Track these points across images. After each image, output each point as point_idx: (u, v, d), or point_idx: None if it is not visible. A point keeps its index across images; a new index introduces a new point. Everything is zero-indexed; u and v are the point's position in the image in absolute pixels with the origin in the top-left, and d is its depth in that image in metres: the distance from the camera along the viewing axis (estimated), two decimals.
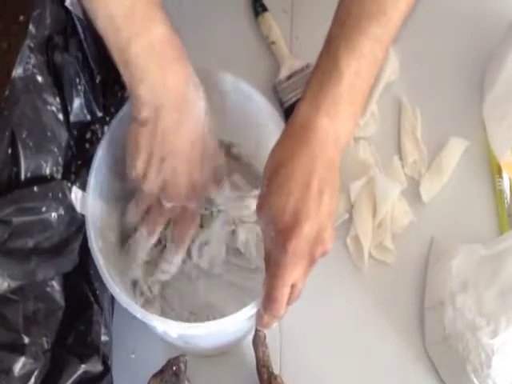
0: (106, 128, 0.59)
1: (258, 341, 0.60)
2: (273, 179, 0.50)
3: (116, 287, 0.52)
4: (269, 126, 0.60)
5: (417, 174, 0.73)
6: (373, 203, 0.70)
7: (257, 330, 0.60)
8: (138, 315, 0.51)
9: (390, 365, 0.65)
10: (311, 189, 0.48)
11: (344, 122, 0.50)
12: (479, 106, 0.77)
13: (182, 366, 0.56)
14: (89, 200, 0.55)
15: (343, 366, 0.65)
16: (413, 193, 0.72)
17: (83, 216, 0.54)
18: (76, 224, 0.54)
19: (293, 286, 0.50)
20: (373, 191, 0.71)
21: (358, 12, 0.51)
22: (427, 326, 0.65)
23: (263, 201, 0.50)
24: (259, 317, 0.52)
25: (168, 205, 0.59)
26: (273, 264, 0.49)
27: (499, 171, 0.73)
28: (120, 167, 0.59)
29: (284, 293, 0.49)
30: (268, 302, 0.50)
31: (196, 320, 0.62)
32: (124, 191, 0.63)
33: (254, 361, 0.60)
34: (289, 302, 0.51)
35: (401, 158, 0.74)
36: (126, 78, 0.52)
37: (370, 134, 0.76)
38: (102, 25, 0.51)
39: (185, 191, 0.58)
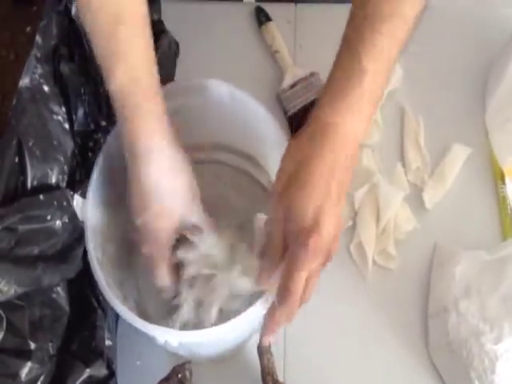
0: (108, 137, 0.60)
1: (263, 348, 0.60)
2: (293, 179, 0.51)
3: (115, 299, 0.52)
4: (267, 132, 0.61)
5: (420, 181, 0.74)
6: (376, 210, 0.71)
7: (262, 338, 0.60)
8: (138, 325, 0.51)
9: (394, 371, 0.65)
10: (331, 192, 0.50)
11: (363, 120, 0.51)
12: (482, 112, 0.78)
13: (187, 373, 0.56)
14: (88, 211, 0.56)
15: (347, 372, 0.65)
16: (416, 199, 0.73)
17: None
18: (79, 231, 0.55)
19: (306, 281, 0.51)
20: (376, 198, 0.71)
21: (374, 14, 0.51)
22: (431, 331, 0.65)
23: (282, 198, 0.51)
24: (271, 315, 0.53)
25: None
26: (291, 258, 0.50)
27: (502, 177, 0.73)
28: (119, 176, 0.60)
29: (300, 287, 0.50)
30: (284, 295, 0.51)
31: None
32: (123, 201, 0.64)
33: (259, 368, 0.60)
34: (302, 299, 0.52)
35: (404, 165, 0.75)
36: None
37: (373, 142, 0.76)
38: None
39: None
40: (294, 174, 0.51)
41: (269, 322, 0.54)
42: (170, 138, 0.55)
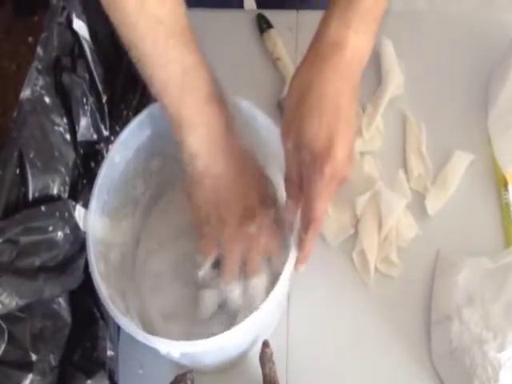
0: (110, 147, 0.60)
1: (265, 357, 0.60)
2: (302, 103, 0.50)
3: (117, 311, 0.52)
4: (269, 140, 0.60)
5: (422, 188, 0.74)
6: (378, 217, 0.71)
7: (264, 346, 0.60)
8: (140, 338, 0.51)
9: (397, 379, 0.65)
10: (342, 112, 0.49)
11: (369, 39, 0.51)
12: (484, 119, 0.77)
13: (189, 382, 0.56)
14: (90, 221, 0.56)
15: (350, 380, 0.65)
16: (418, 206, 0.72)
17: None
18: (81, 242, 0.55)
19: None
20: (378, 205, 0.71)
21: None
22: (434, 339, 0.65)
23: (291, 125, 0.51)
24: (299, 245, 0.54)
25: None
26: (308, 187, 0.50)
27: (505, 184, 0.73)
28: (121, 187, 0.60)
29: (322, 213, 0.51)
30: (308, 224, 0.52)
31: None
32: (126, 212, 0.64)
33: (261, 377, 0.60)
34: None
35: (406, 172, 0.74)
36: (177, 136, 0.56)
37: (375, 149, 0.76)
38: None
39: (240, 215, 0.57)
40: (302, 99, 0.50)
41: (299, 252, 0.54)
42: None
